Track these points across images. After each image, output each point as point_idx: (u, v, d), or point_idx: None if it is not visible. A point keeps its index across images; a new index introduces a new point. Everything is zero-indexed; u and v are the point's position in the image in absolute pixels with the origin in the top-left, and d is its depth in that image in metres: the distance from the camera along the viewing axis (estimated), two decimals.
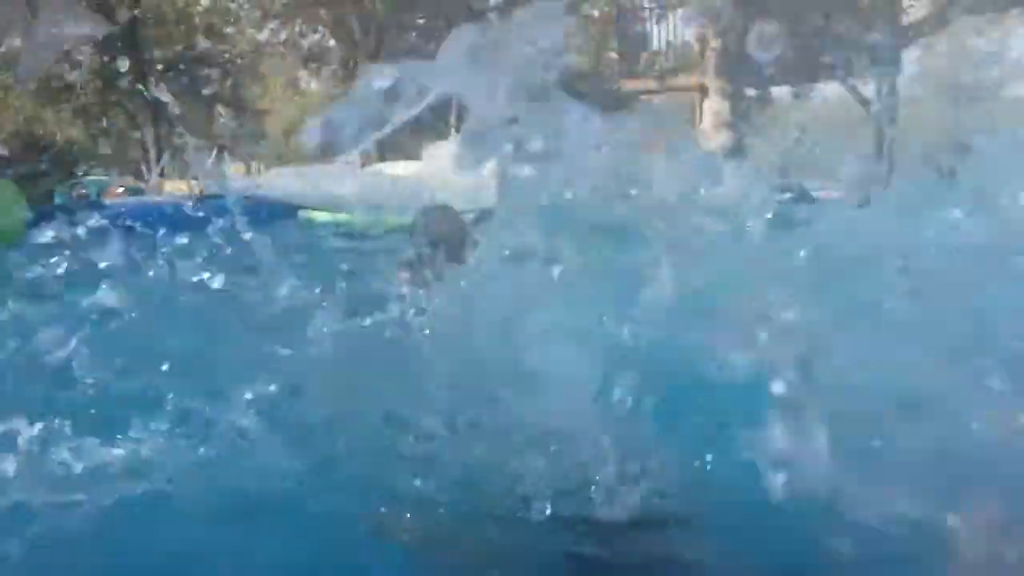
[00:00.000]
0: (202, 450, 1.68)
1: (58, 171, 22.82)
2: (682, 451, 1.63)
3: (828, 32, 16.81)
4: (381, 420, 1.78)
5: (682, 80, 19.82)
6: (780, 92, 20.77)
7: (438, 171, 9.34)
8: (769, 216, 1.90)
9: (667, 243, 1.74)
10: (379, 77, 1.65)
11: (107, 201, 12.53)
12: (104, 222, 2.26)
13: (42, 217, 8.56)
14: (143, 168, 27.30)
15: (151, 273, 2.31)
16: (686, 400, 1.68)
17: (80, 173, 22.86)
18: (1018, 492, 1.48)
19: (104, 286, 2.04)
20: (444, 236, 3.01)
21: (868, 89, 18.81)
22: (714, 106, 16.31)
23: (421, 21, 28.07)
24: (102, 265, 2.13)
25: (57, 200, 18.08)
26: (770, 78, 20.30)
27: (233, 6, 29.23)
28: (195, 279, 2.25)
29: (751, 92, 24.29)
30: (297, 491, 1.60)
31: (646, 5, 21.94)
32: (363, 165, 15.09)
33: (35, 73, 13.98)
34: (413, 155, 15.25)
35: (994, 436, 1.55)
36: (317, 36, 28.70)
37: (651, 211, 1.81)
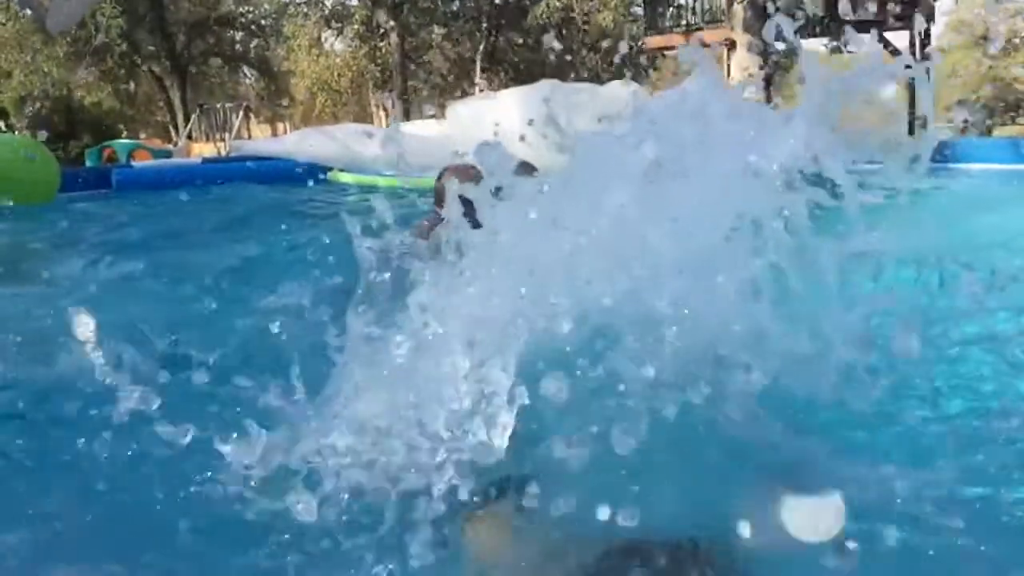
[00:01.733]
0: None
1: (87, 134, 23.08)
2: None
3: None
4: None
5: (709, 35, 19.51)
6: (811, 46, 20.39)
7: (464, 130, 9.32)
8: None
9: None
10: None
11: (136, 164, 12.63)
12: None
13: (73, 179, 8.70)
14: (171, 131, 27.50)
15: None
16: None
17: (109, 136, 23.01)
18: None
19: None
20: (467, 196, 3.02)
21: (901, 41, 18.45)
22: (742, 61, 16.06)
23: None
24: None
25: (88, 163, 18.29)
26: (800, 31, 19.86)
27: None
28: None
29: (780, 46, 23.75)
30: None
31: None
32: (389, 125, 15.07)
33: (65, 26, 14.06)
34: (438, 114, 15.20)
35: None
36: None
37: None
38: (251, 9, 30.47)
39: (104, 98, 28.66)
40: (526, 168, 3.51)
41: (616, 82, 9.49)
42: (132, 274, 3.90)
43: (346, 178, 8.78)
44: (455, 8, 28.65)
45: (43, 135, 10.06)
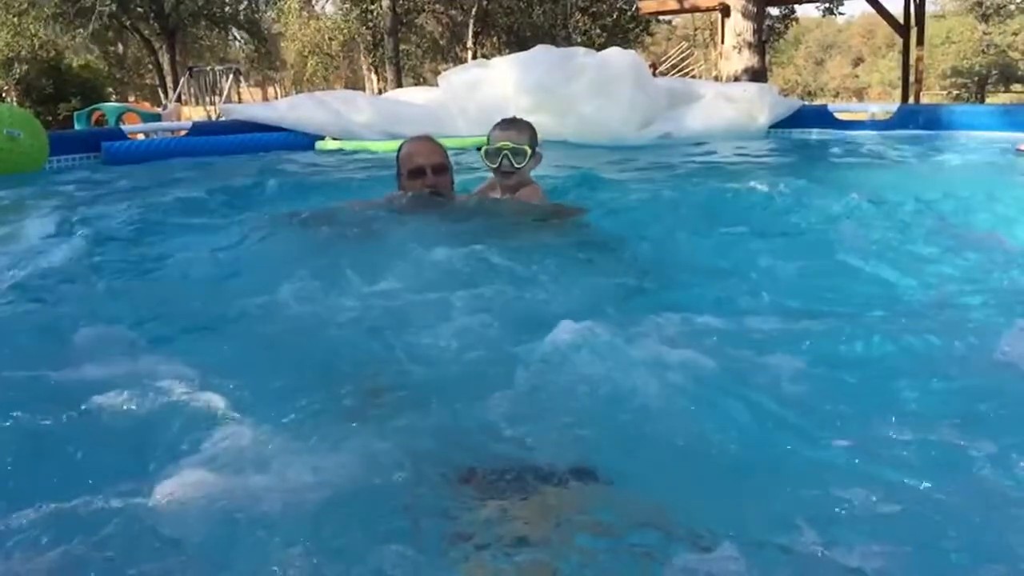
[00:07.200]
0: None
1: (76, 98, 22.80)
2: None
3: None
4: None
5: (704, 0, 19.35)
6: (805, 10, 20.21)
7: (455, 98, 9.21)
8: None
9: None
10: None
11: (126, 127, 12.45)
12: None
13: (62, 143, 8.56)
14: (160, 94, 27.21)
15: None
16: None
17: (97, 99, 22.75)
18: None
19: None
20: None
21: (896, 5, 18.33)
22: (736, 26, 15.92)
23: None
24: None
25: (76, 126, 18.09)
26: None
27: None
28: None
29: (774, 11, 23.67)
30: None
31: None
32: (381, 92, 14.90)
33: None
34: (431, 82, 15.03)
35: None
36: None
37: None
38: None
39: (93, 60, 28.30)
40: (514, 123, 3.51)
41: (614, 48, 9.37)
42: None
43: (334, 145, 8.62)
44: None
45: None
